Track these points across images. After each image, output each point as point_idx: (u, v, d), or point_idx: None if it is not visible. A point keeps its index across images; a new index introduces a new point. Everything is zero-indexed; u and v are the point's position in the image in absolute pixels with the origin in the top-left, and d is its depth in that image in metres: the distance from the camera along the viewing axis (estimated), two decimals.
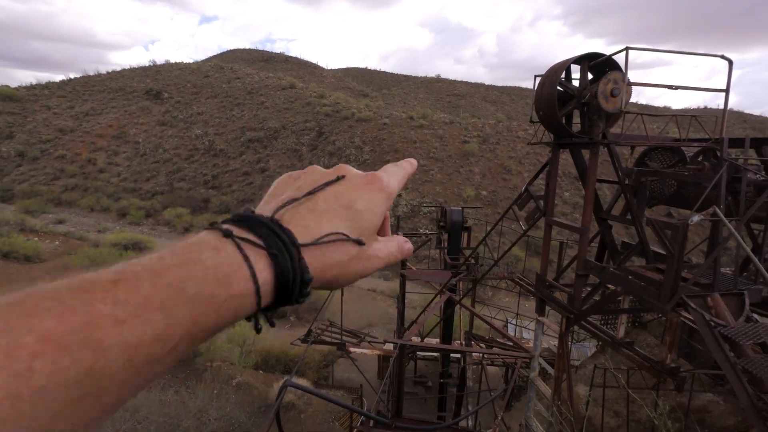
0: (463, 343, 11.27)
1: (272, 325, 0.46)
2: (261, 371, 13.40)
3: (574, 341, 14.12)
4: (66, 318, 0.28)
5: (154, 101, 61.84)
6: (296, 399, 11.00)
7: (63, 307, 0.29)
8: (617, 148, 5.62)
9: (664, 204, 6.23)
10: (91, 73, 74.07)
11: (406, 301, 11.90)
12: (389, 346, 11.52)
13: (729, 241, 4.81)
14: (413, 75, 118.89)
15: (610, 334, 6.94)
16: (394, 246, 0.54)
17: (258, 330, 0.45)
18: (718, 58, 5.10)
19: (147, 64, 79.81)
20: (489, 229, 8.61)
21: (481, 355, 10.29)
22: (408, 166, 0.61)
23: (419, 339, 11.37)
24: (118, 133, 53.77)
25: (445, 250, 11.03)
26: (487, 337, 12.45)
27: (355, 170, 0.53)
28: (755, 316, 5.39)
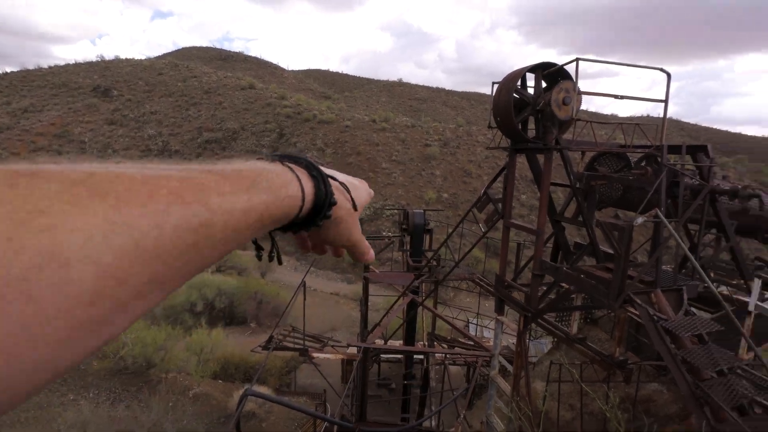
0: (426, 344, 11.41)
1: (280, 262, 0.62)
2: (220, 381, 12.93)
3: (531, 339, 14.63)
4: (185, 183, 0.35)
5: (102, 99, 58.45)
6: (257, 407, 10.70)
7: (180, 175, 0.35)
8: (569, 154, 5.90)
9: (612, 206, 6.61)
10: (31, 67, 69.03)
11: (369, 303, 11.88)
12: (353, 350, 11.46)
13: (669, 240, 5.17)
14: (375, 78, 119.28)
15: (565, 331, 7.26)
16: (365, 241, 0.66)
17: (271, 258, 0.60)
18: (658, 71, 5.48)
19: (94, 60, 75.28)
20: (450, 231, 8.78)
21: (443, 355, 10.45)
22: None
23: (383, 341, 11.39)
24: (61, 132, 50.33)
25: (408, 253, 11.14)
26: (449, 338, 12.67)
27: None
28: (693, 309, 5.82)
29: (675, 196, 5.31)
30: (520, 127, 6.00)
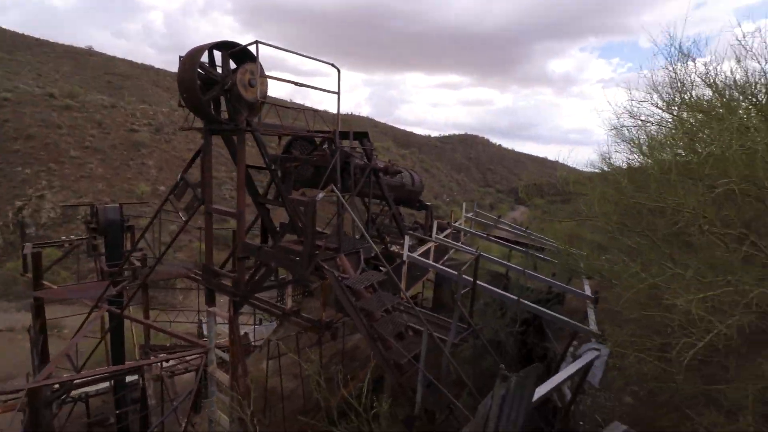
0: (140, 358, 9.87)
1: None
2: None
3: (266, 321, 14.90)
4: None
5: None
6: None
7: None
8: (265, 138, 6.06)
9: (307, 186, 7.26)
10: None
11: (54, 330, 9.22)
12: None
13: (348, 211, 6.08)
14: (52, 41, 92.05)
15: (280, 307, 7.63)
16: None
17: None
18: (330, 66, 6.26)
19: None
20: (156, 225, 7.71)
21: (159, 365, 9.29)
22: None
23: (74, 372, 9.12)
24: None
25: (102, 257, 9.21)
26: (168, 344, 11.38)
27: None
28: (380, 267, 7.11)
29: (350, 174, 6.28)
30: (211, 107, 5.73)
